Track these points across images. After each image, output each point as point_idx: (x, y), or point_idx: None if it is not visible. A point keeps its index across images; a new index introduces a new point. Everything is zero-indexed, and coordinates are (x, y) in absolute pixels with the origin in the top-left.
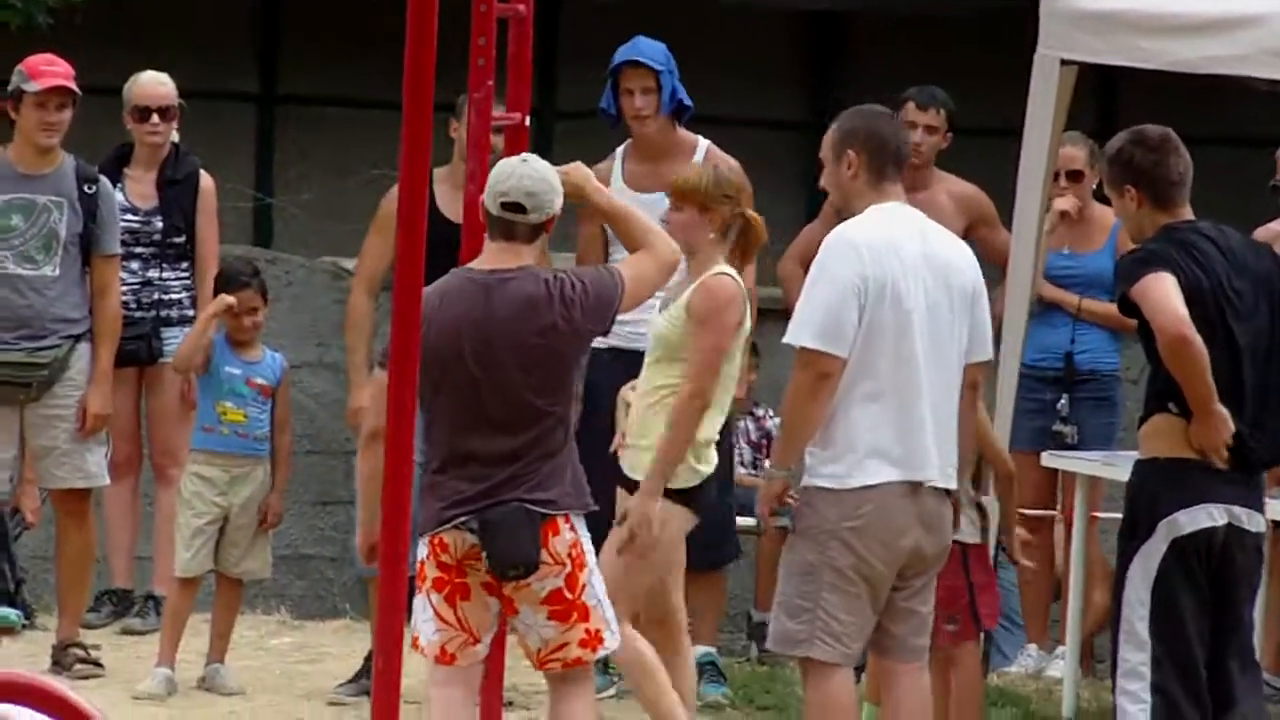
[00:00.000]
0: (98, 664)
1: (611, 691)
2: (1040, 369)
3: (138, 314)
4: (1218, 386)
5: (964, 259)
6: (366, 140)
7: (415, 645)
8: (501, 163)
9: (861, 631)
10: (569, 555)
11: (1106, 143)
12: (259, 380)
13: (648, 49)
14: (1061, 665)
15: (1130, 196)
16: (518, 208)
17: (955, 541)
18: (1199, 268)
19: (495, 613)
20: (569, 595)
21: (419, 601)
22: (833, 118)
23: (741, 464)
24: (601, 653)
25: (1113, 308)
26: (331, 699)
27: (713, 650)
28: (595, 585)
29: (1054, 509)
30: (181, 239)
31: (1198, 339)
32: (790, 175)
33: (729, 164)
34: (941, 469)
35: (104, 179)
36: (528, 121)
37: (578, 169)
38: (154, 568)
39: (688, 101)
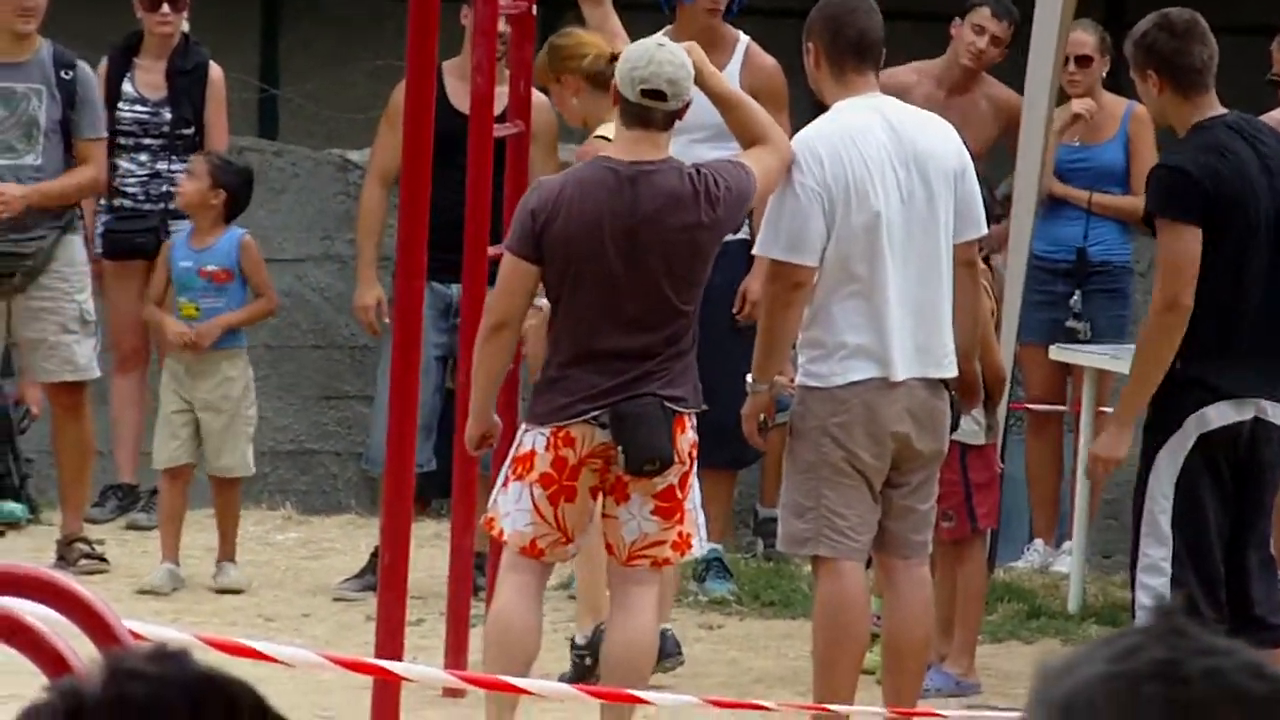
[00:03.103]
0: (102, 559)
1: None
2: (1052, 261)
3: (146, 206)
4: (1250, 293)
5: (941, 141)
6: (370, 30)
7: (490, 527)
8: (636, 46)
9: (866, 523)
10: (689, 454)
11: (1115, 32)
12: (210, 267)
13: None
14: (1068, 560)
15: (1152, 81)
16: (658, 94)
17: (955, 441)
18: (1234, 172)
19: (592, 512)
20: (679, 494)
21: (514, 488)
22: None
23: None
24: (688, 557)
25: (1125, 200)
26: (336, 594)
27: (719, 546)
28: (695, 490)
29: (1063, 404)
30: (190, 130)
31: (1183, 320)
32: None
33: (767, 63)
34: (930, 361)
35: (82, 63)
36: (534, 10)
37: (694, 48)
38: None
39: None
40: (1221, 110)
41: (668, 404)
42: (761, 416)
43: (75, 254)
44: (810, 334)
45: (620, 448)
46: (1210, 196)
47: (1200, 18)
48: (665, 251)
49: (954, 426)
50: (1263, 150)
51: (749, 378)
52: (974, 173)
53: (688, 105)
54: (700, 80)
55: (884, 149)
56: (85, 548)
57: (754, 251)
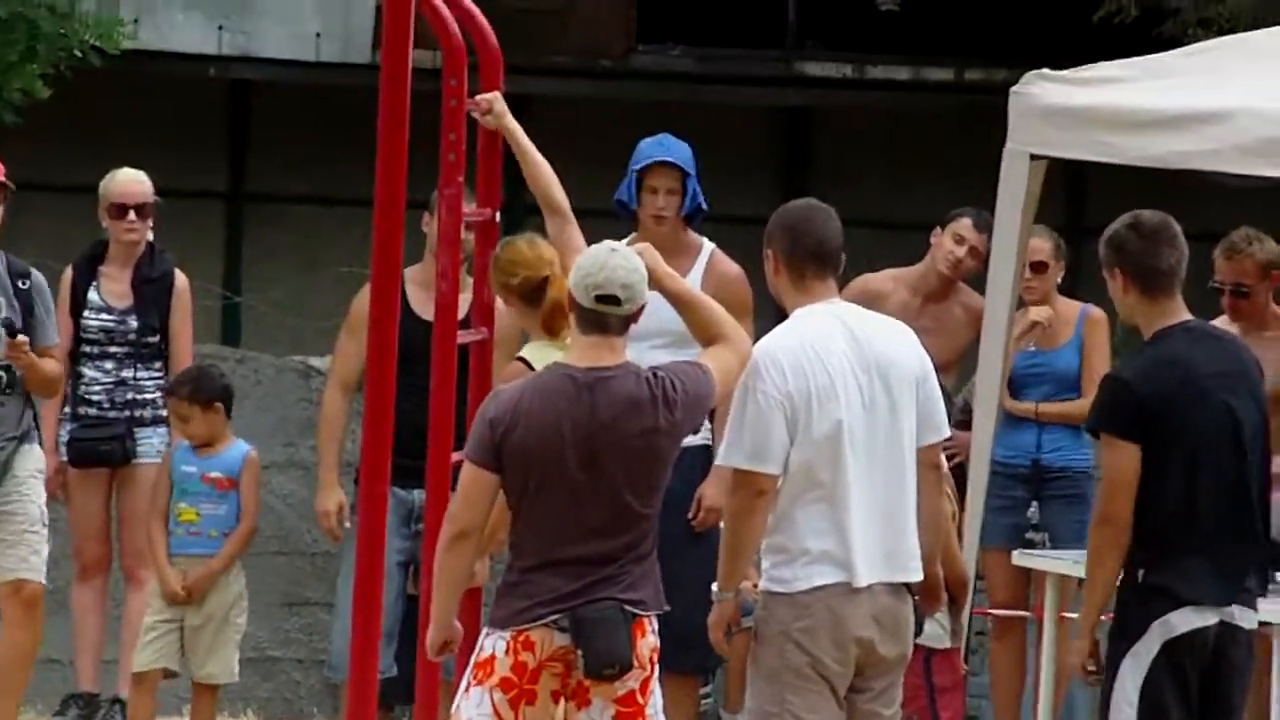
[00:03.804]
0: None
1: None
2: (1011, 466)
3: (111, 414)
4: (1212, 508)
5: (902, 348)
6: (334, 238)
7: None
8: (588, 253)
9: None
10: (649, 659)
11: (1076, 235)
12: (214, 474)
13: (677, 149)
14: None
15: (1119, 281)
16: (612, 299)
17: (920, 645)
18: (1183, 382)
19: (553, 716)
20: (640, 699)
21: (475, 693)
22: None
23: None
24: None
25: (1071, 405)
26: None
27: None
28: (657, 695)
29: (1025, 609)
30: (156, 338)
31: (1119, 532)
32: (763, 270)
33: (730, 269)
34: (896, 565)
35: (35, 272)
36: (498, 218)
37: (647, 249)
38: (120, 671)
39: (705, 206)
40: (1185, 316)
41: (627, 608)
42: (727, 624)
43: (32, 463)
44: (774, 539)
45: (579, 651)
46: (1151, 413)
47: (1172, 221)
48: (624, 458)
49: (918, 631)
50: (1219, 357)
51: (714, 586)
52: (935, 377)
53: (642, 308)
54: (655, 281)
55: (845, 357)
56: None
57: (717, 461)
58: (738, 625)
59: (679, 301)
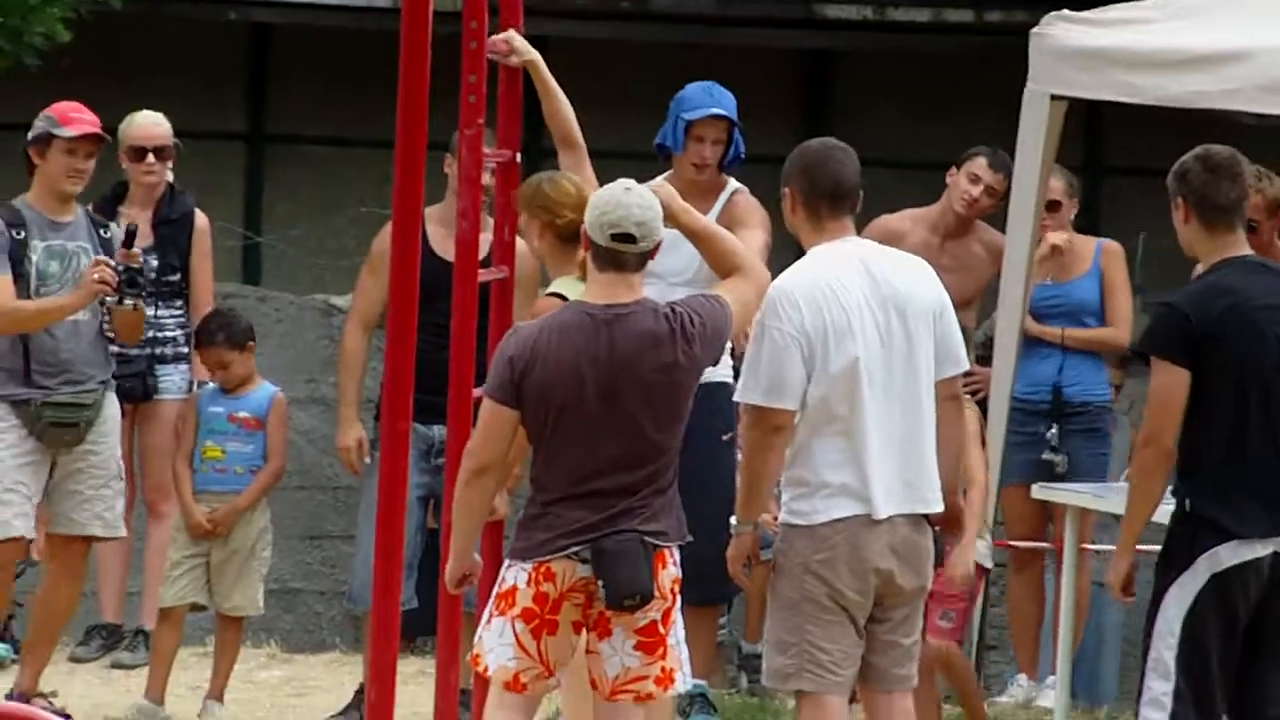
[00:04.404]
0: (65, 715)
1: None
2: (1031, 402)
3: (132, 352)
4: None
5: (919, 282)
6: (354, 178)
7: (476, 663)
8: (603, 192)
9: (849, 657)
10: (670, 590)
11: (1094, 174)
12: (241, 414)
13: (726, 100)
14: (1051, 695)
15: (1181, 210)
16: (628, 238)
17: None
18: (1233, 311)
19: (574, 646)
20: (661, 629)
21: (497, 624)
22: None
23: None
24: (671, 692)
25: (1097, 332)
26: None
27: (703, 682)
28: (679, 624)
29: (1045, 541)
30: (176, 277)
31: (1162, 456)
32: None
33: (752, 205)
34: (916, 497)
35: (112, 224)
36: (518, 158)
37: (663, 187)
38: (143, 603)
39: (743, 155)
40: (1245, 250)
41: (648, 539)
42: (746, 557)
43: (115, 409)
44: (793, 472)
45: (601, 583)
46: (1200, 337)
47: (1241, 158)
48: (644, 392)
49: (938, 561)
50: (1276, 289)
51: (733, 519)
52: (952, 311)
53: (658, 245)
54: (671, 217)
55: (861, 293)
56: (43, 702)
57: (735, 398)
58: (756, 558)
59: (695, 236)
